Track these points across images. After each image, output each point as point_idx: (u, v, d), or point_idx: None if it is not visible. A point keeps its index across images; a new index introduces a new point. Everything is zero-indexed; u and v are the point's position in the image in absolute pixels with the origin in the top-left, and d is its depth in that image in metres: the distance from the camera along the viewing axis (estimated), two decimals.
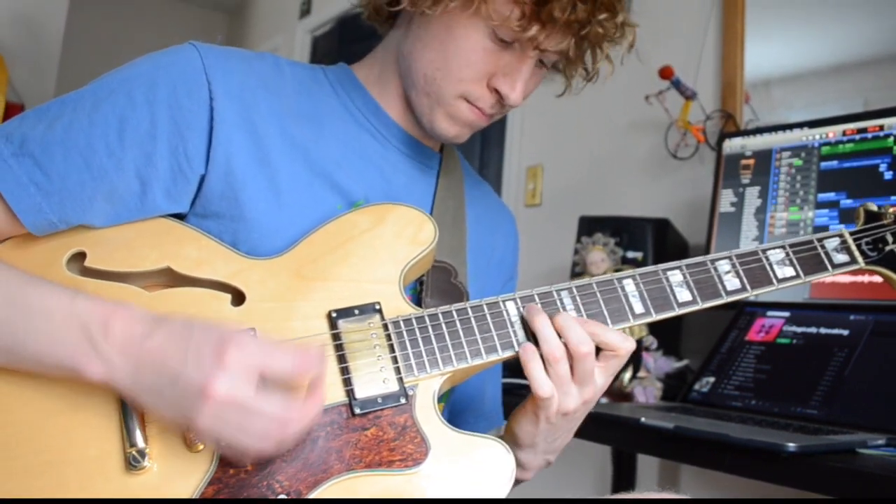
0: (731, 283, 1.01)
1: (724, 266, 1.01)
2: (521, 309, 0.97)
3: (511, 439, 1.03)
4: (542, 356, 0.93)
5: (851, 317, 1.56)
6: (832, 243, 1.05)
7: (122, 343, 0.82)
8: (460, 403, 1.24)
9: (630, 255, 2.05)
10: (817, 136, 1.74)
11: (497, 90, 1.04)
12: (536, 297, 0.98)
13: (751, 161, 1.86)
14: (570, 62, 1.10)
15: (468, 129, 1.09)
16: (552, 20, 0.97)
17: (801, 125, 1.79)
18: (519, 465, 1.04)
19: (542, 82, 1.11)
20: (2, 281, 0.86)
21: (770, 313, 1.70)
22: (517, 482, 1.06)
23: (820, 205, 1.70)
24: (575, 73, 1.13)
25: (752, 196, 1.83)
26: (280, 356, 0.81)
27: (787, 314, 1.67)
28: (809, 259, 1.03)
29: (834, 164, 1.70)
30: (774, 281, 1.01)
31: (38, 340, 0.83)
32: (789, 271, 1.02)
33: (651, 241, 2.06)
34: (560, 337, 0.93)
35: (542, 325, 0.94)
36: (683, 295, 1.00)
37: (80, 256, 0.94)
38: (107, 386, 0.83)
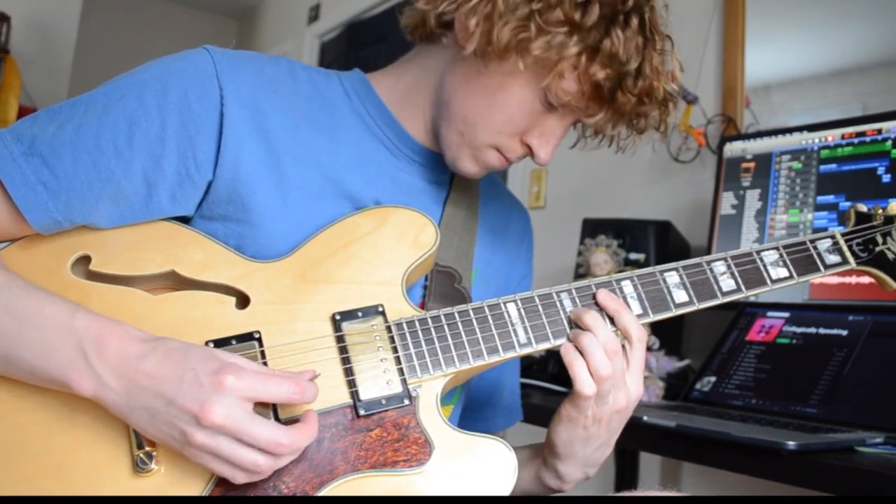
0: (727, 283, 1.02)
1: (719, 267, 1.03)
2: (522, 310, 0.98)
3: (549, 450, 1.03)
4: (586, 355, 0.94)
5: (850, 317, 1.56)
6: (824, 244, 1.06)
7: (116, 362, 0.82)
8: (479, 398, 1.25)
9: (633, 256, 2.05)
10: (817, 140, 1.75)
11: (529, 146, 1.04)
12: (537, 299, 0.99)
13: (751, 164, 1.87)
14: (597, 132, 1.10)
15: (487, 171, 1.09)
16: (615, 108, 0.99)
17: (800, 129, 1.79)
18: (558, 476, 1.04)
19: None
20: (2, 288, 0.87)
21: (770, 314, 1.71)
22: (553, 492, 1.08)
23: (819, 207, 1.71)
24: (592, 135, 1.13)
25: (753, 199, 1.84)
26: (275, 384, 0.83)
27: (786, 315, 1.68)
28: (802, 260, 1.04)
29: (833, 167, 1.71)
30: (768, 281, 1.03)
31: (33, 352, 0.84)
32: (783, 272, 1.03)
33: (653, 243, 2.06)
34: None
35: (593, 318, 0.95)
36: (680, 296, 1.01)
37: (85, 260, 0.95)
38: (96, 402, 0.84)
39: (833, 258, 1.06)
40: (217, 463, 0.82)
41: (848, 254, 1.06)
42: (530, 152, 1.05)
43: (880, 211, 1.09)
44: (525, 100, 1.00)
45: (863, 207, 1.10)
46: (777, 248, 1.05)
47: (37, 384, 0.86)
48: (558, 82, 0.97)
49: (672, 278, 1.02)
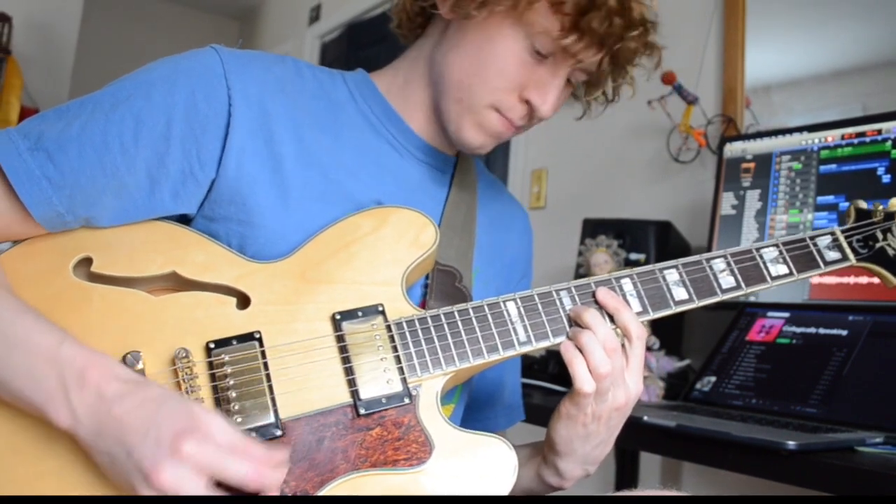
0: (726, 281, 1.02)
1: (719, 264, 1.03)
2: (521, 309, 0.98)
3: (549, 447, 1.03)
4: (586, 352, 0.94)
5: (850, 317, 1.56)
6: (824, 241, 1.06)
7: (91, 400, 0.80)
8: (481, 397, 1.26)
9: (633, 256, 2.06)
10: (817, 140, 1.75)
11: (529, 102, 1.05)
12: (536, 298, 0.99)
13: (751, 165, 1.87)
14: (593, 84, 1.12)
15: (493, 140, 1.09)
16: (590, 31, 0.98)
17: (800, 129, 1.79)
18: (558, 473, 1.05)
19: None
20: None
21: (770, 314, 1.71)
22: (554, 489, 1.08)
23: (819, 207, 1.71)
24: (595, 97, 1.15)
25: (753, 199, 1.84)
26: (238, 463, 0.79)
27: (786, 315, 1.68)
28: (802, 257, 1.04)
29: (833, 167, 1.71)
30: (768, 278, 1.03)
31: (18, 377, 0.83)
32: (783, 269, 1.03)
33: (653, 243, 2.07)
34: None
35: (593, 316, 0.96)
36: (680, 293, 1.01)
37: (87, 262, 0.95)
38: (71, 436, 0.82)
39: (833, 255, 1.05)
40: None
41: (848, 250, 1.06)
42: (531, 109, 1.06)
43: (880, 208, 1.08)
44: (513, 50, 1.02)
45: (863, 204, 1.10)
46: (777, 245, 1.05)
47: (21, 408, 0.85)
48: (534, 18, 0.99)
49: (672, 276, 1.02)
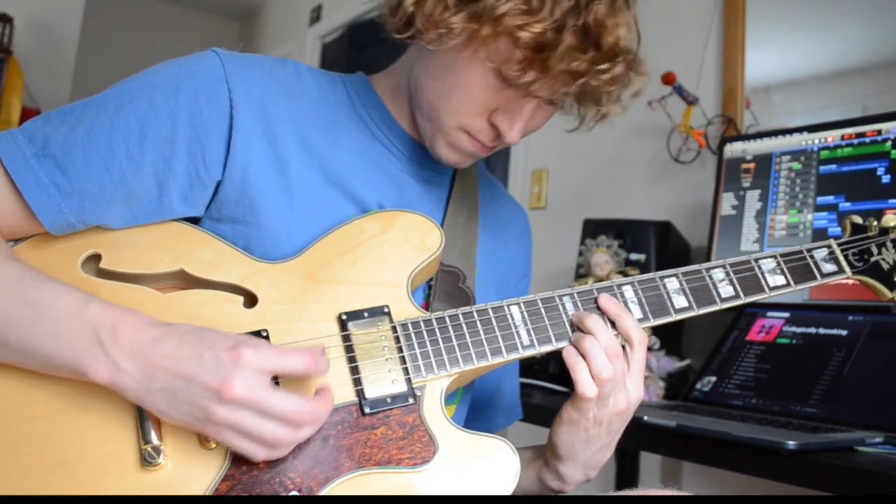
0: (725, 290, 1.03)
1: (718, 274, 1.04)
2: (525, 313, 0.99)
3: (551, 452, 1.04)
4: (588, 357, 0.95)
5: (850, 318, 1.57)
6: (821, 253, 1.08)
7: (131, 347, 0.83)
8: (480, 399, 1.26)
9: (633, 257, 2.06)
10: (816, 141, 1.76)
11: (495, 125, 1.02)
12: (539, 302, 1.00)
13: (751, 165, 1.87)
14: (580, 103, 1.06)
15: (469, 158, 1.08)
16: (548, 69, 0.93)
17: (800, 130, 1.80)
18: (559, 477, 1.05)
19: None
20: (16, 279, 0.87)
21: (770, 314, 1.72)
22: (556, 493, 1.09)
23: (819, 208, 1.72)
24: (587, 112, 1.08)
25: (753, 199, 1.85)
26: (292, 357, 0.84)
27: (786, 315, 1.69)
28: (799, 268, 1.06)
29: (833, 167, 1.71)
30: (766, 289, 1.05)
31: (47, 340, 0.84)
32: (780, 280, 1.05)
33: (654, 243, 2.07)
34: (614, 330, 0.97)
35: (595, 321, 0.96)
36: (680, 301, 1.02)
37: (96, 258, 0.95)
38: (112, 388, 0.84)
39: (829, 267, 1.08)
40: (238, 438, 0.82)
41: (844, 263, 1.08)
42: (498, 133, 1.03)
43: (875, 223, 1.11)
44: (477, 75, 0.98)
45: (857, 219, 1.12)
46: (775, 257, 1.06)
47: (51, 373, 0.87)
48: (496, 50, 0.94)
49: (672, 284, 1.03)
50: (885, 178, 1.61)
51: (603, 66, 0.94)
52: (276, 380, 0.88)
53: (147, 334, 0.83)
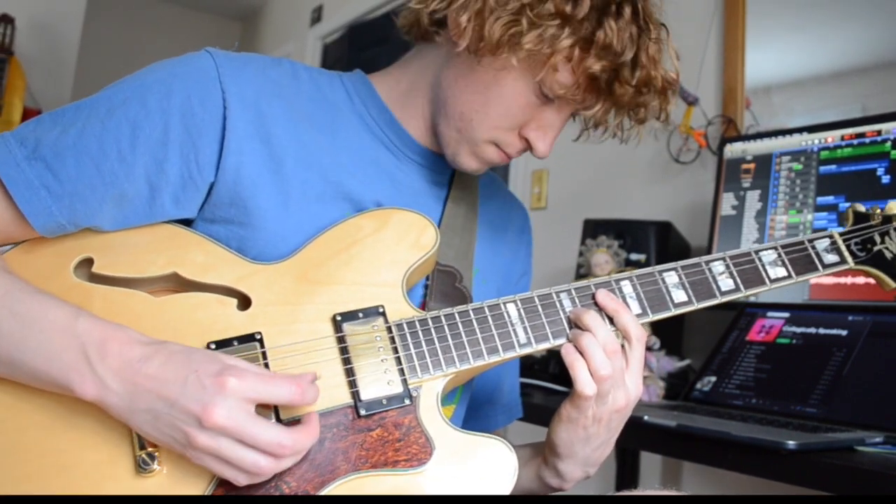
0: (725, 283, 1.02)
1: (718, 267, 1.03)
2: (522, 311, 0.98)
3: (550, 449, 1.04)
4: (586, 355, 0.94)
5: (850, 317, 1.57)
6: (822, 244, 1.06)
7: (118, 365, 0.82)
8: (480, 397, 1.26)
9: (633, 257, 2.06)
10: (816, 141, 1.75)
11: (527, 139, 1.04)
12: (536, 299, 0.99)
13: (751, 165, 1.87)
14: (597, 123, 1.10)
15: (488, 166, 1.10)
16: (612, 99, 0.98)
17: (800, 130, 1.80)
18: (559, 475, 1.05)
19: None
20: (5, 291, 0.87)
21: (770, 314, 1.71)
22: (554, 490, 1.08)
23: (819, 208, 1.71)
24: (594, 126, 1.13)
25: (753, 199, 1.84)
26: (276, 385, 0.83)
27: (786, 315, 1.68)
28: (800, 259, 1.05)
29: (833, 168, 1.71)
30: (767, 281, 1.03)
31: (36, 355, 0.84)
32: (781, 272, 1.04)
33: (654, 243, 2.07)
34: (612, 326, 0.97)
35: (593, 318, 0.96)
36: (679, 295, 1.01)
37: (88, 262, 0.95)
38: (99, 405, 0.84)
39: (831, 258, 1.06)
40: (219, 465, 0.82)
41: (846, 253, 1.06)
42: (528, 146, 1.06)
43: (878, 211, 1.09)
44: (520, 93, 1.01)
45: (861, 207, 1.11)
46: (776, 248, 1.05)
47: (39, 387, 0.87)
48: (553, 75, 0.97)
49: (671, 278, 1.02)
50: (885, 179, 1.61)
51: (655, 101, 1.02)
52: None
53: (135, 353, 0.83)
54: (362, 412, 0.91)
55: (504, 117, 1.02)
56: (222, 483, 0.86)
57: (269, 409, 0.88)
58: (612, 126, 1.09)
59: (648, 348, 1.82)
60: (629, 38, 0.96)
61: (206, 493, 0.86)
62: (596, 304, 0.99)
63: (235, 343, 0.92)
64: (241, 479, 0.83)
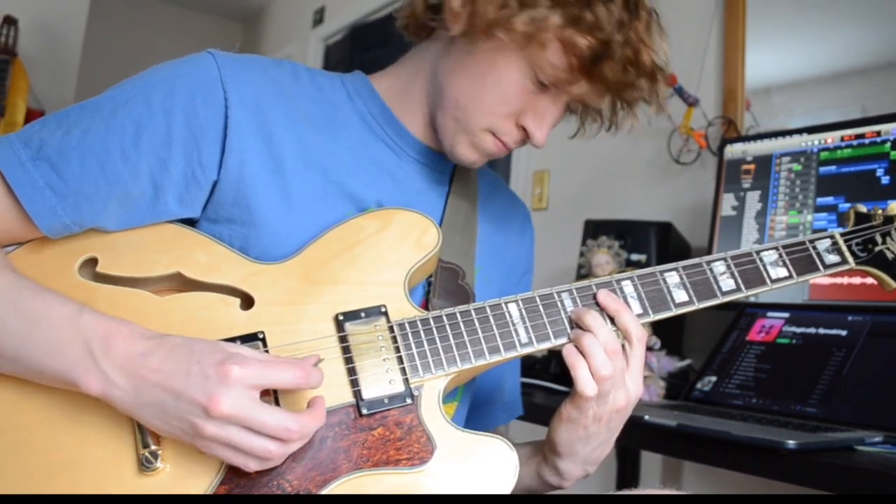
0: (726, 283, 1.02)
1: (719, 267, 1.03)
2: (523, 310, 0.99)
3: (550, 448, 1.04)
4: (587, 355, 0.95)
5: (849, 318, 1.57)
6: (824, 244, 1.06)
7: (122, 360, 0.83)
8: (481, 395, 1.26)
9: (634, 257, 2.06)
10: (816, 142, 1.75)
11: (524, 128, 1.05)
12: (538, 299, 0.99)
13: (751, 166, 1.87)
14: (591, 110, 1.12)
15: (486, 158, 1.10)
16: (601, 77, 0.99)
17: (800, 131, 1.80)
18: (558, 473, 1.05)
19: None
20: (10, 288, 0.88)
21: (770, 314, 1.71)
22: (554, 489, 1.09)
23: (819, 209, 1.71)
24: (590, 119, 1.15)
25: (753, 200, 1.85)
26: (280, 370, 0.84)
27: (786, 315, 1.68)
28: (802, 260, 1.05)
29: (832, 169, 1.71)
30: (768, 281, 1.03)
31: (41, 351, 0.85)
32: (782, 272, 1.04)
33: (654, 243, 2.07)
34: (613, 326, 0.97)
35: (594, 318, 0.96)
36: (680, 296, 1.01)
37: (92, 262, 0.96)
38: (104, 400, 0.84)
39: (832, 258, 1.06)
40: (229, 452, 0.83)
41: (847, 253, 1.06)
42: (525, 135, 1.06)
43: (879, 211, 1.09)
44: (515, 78, 1.01)
45: (862, 208, 1.11)
46: (777, 248, 1.05)
47: (45, 383, 0.87)
48: (544, 55, 0.98)
49: (672, 278, 1.02)
50: (885, 180, 1.61)
51: (645, 82, 1.02)
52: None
53: (138, 347, 0.84)
54: (364, 411, 0.92)
55: (500, 103, 1.03)
56: (225, 481, 0.87)
57: (269, 397, 0.89)
58: (606, 116, 1.11)
59: (649, 348, 1.82)
60: (617, 18, 0.97)
61: (209, 491, 0.86)
62: (597, 303, 1.00)
63: (238, 342, 0.92)
64: (251, 465, 0.84)
